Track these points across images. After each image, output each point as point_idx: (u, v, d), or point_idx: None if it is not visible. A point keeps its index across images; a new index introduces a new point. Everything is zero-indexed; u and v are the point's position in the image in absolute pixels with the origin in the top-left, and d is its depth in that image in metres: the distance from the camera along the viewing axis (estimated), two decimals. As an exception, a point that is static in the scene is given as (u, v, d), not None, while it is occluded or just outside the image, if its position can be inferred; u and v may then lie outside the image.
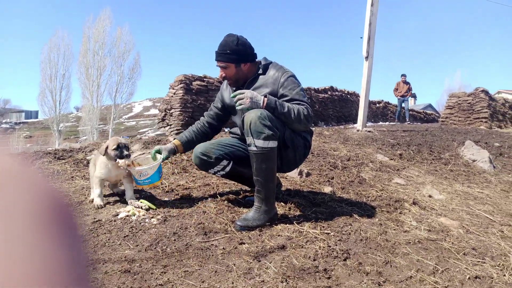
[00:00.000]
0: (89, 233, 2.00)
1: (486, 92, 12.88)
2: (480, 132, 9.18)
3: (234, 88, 2.54)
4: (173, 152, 2.56)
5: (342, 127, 9.78)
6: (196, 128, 2.68)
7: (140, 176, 2.42)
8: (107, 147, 2.41)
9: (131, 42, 25.97)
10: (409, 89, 14.51)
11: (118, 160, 2.40)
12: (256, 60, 2.50)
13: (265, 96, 2.23)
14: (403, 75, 14.58)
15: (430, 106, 46.61)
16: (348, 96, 14.65)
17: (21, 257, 0.21)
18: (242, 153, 2.58)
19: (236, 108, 2.26)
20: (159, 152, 2.51)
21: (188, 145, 2.62)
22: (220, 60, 2.39)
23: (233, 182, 3.01)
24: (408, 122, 14.42)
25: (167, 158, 2.56)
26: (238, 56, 2.38)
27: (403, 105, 14.83)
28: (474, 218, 2.77)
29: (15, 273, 0.20)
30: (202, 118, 2.75)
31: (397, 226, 2.41)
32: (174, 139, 2.64)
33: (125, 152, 2.40)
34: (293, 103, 2.30)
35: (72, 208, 0.26)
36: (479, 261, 1.97)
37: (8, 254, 0.21)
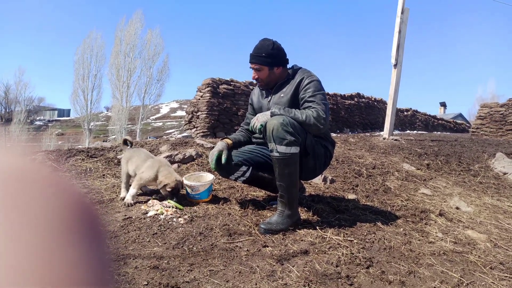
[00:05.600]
0: (120, 229, 2.10)
1: (520, 102, 12.41)
2: (513, 144, 8.85)
3: (263, 92, 2.64)
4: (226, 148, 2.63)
5: (368, 134, 9.66)
6: (240, 133, 2.78)
7: (192, 190, 2.65)
8: (165, 185, 2.55)
9: (161, 45, 26.55)
10: None
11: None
12: (288, 65, 2.58)
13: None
14: None
15: (460, 115, 45.20)
16: (375, 103, 14.45)
17: (45, 259, 0.21)
18: (261, 158, 2.62)
19: (256, 131, 2.35)
20: (220, 154, 2.51)
21: (237, 144, 2.68)
22: (255, 63, 2.49)
23: (256, 186, 3.05)
24: None
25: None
26: (272, 60, 2.47)
27: None
28: (503, 232, 2.70)
29: (38, 275, 0.20)
30: (241, 128, 2.84)
31: (422, 236, 2.38)
32: (223, 138, 2.68)
33: (174, 198, 2.57)
34: (305, 104, 2.36)
35: (96, 208, 0.26)
36: (506, 276, 1.92)
37: (33, 256, 0.20)
